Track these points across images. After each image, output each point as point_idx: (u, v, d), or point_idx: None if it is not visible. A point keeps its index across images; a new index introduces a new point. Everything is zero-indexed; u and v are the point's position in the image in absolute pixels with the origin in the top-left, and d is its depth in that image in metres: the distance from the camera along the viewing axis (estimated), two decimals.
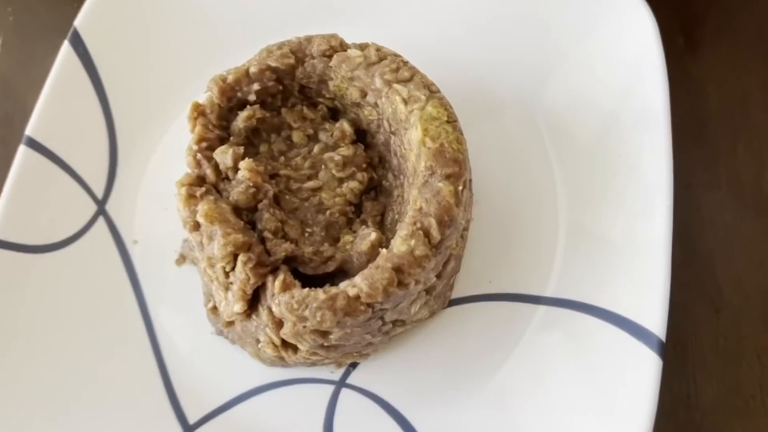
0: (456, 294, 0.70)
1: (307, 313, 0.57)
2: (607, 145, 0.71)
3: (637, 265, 0.64)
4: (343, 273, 0.63)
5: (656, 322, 0.60)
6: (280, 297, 0.58)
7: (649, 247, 0.63)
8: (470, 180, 0.65)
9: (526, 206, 0.72)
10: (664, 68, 0.69)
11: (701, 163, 0.79)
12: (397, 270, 0.57)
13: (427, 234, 0.58)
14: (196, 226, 0.63)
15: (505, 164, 0.75)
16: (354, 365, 0.68)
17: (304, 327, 0.58)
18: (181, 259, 0.74)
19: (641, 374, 0.59)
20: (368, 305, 0.57)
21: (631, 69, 0.71)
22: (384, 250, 0.58)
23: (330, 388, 0.67)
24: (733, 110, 0.82)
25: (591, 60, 0.75)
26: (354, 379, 0.68)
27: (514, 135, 0.76)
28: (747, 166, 0.78)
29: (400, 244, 0.58)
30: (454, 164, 0.61)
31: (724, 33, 0.86)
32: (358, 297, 0.57)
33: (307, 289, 0.58)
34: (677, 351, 0.70)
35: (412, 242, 0.58)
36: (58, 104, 0.76)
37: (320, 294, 0.57)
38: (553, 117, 0.75)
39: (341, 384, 0.67)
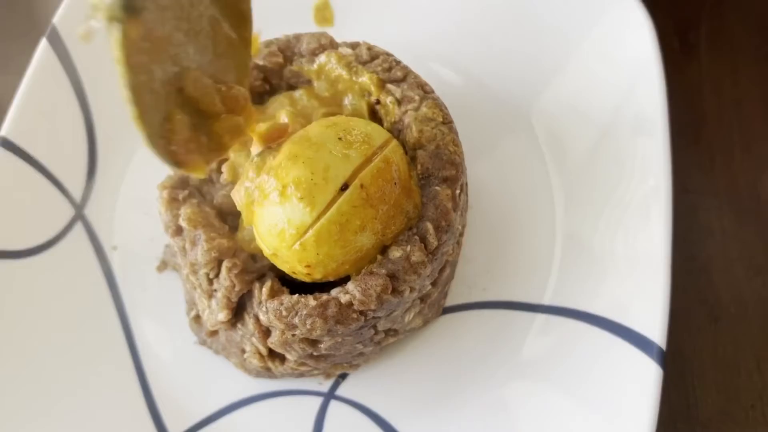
0: (450, 302, 0.68)
1: (296, 320, 0.55)
2: (604, 150, 0.70)
3: (636, 273, 0.63)
4: (331, 283, 0.60)
5: (656, 330, 0.59)
6: (268, 304, 0.56)
7: (648, 254, 0.62)
8: (466, 183, 0.63)
9: (522, 212, 0.71)
10: (661, 73, 0.68)
11: (698, 167, 0.79)
12: (392, 276, 0.55)
13: (423, 239, 0.56)
14: (179, 231, 0.61)
15: (498, 168, 0.74)
16: (343, 376, 0.66)
17: (293, 335, 0.56)
18: (163, 265, 0.72)
19: (641, 384, 0.57)
20: (361, 313, 0.55)
21: (629, 74, 0.71)
22: (379, 256, 0.56)
23: (318, 400, 0.65)
24: (729, 114, 0.81)
25: (588, 63, 0.74)
26: (343, 390, 0.66)
27: (508, 138, 0.75)
28: (744, 170, 0.78)
29: (395, 249, 0.56)
30: (450, 167, 0.59)
31: (719, 35, 0.86)
32: (350, 304, 0.55)
33: (296, 295, 0.56)
34: (676, 361, 0.68)
35: (408, 248, 0.56)
36: (35, 104, 0.73)
37: (311, 300, 0.55)
38: (549, 120, 0.74)
39: (330, 396, 0.65)
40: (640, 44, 0.71)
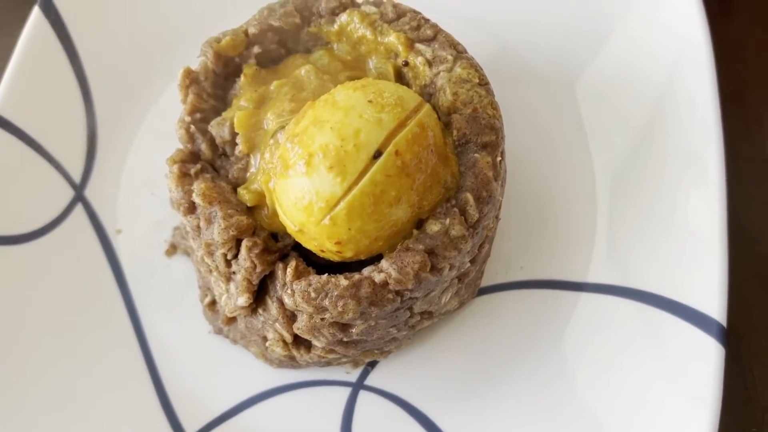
0: (485, 282, 0.64)
1: (326, 302, 0.51)
2: (650, 122, 0.66)
3: (688, 246, 0.59)
4: (360, 263, 0.56)
5: (715, 306, 0.55)
6: (294, 285, 0.52)
7: (700, 224, 0.59)
8: (504, 152, 0.58)
9: (561, 184, 0.68)
10: (709, 41, 0.64)
11: (744, 133, 0.75)
12: (430, 252, 0.51)
13: (463, 212, 0.52)
14: (191, 209, 0.56)
15: (536, 138, 0.70)
16: (372, 364, 0.63)
17: (322, 320, 0.52)
18: (172, 249, 0.68)
19: (701, 366, 0.54)
20: (397, 293, 0.51)
21: (675, 42, 0.67)
22: (414, 231, 0.51)
23: (346, 391, 0.62)
24: None
25: (632, 31, 0.70)
26: (373, 379, 0.62)
27: (546, 107, 0.71)
28: None
29: (433, 223, 0.51)
30: (490, 132, 0.55)
31: None
32: (385, 283, 0.51)
33: (326, 275, 0.52)
34: (729, 339, 0.63)
35: (447, 221, 0.51)
36: (29, 77, 0.69)
37: (342, 280, 0.51)
38: (590, 88, 0.70)
39: (359, 385, 0.62)
40: (685, 10, 0.67)
